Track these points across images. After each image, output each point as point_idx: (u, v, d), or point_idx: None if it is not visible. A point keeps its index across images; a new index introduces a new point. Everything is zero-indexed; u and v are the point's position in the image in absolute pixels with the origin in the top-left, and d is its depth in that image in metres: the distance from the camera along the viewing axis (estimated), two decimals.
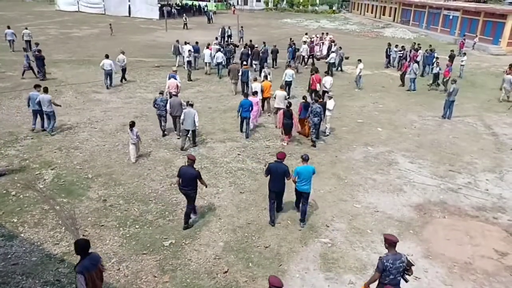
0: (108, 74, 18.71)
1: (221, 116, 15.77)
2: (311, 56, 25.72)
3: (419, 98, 19.61)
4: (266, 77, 17.14)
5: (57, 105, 13.57)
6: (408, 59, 23.69)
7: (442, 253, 8.34)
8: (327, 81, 17.28)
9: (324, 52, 28.10)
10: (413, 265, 6.12)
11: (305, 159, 8.87)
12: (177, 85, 15.60)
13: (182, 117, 12.24)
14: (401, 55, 24.76)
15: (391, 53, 26.12)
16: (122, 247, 8.11)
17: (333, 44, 26.97)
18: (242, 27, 30.86)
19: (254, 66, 22.42)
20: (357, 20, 58.84)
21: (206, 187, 9.22)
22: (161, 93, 13.84)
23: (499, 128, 16.02)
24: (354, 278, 7.51)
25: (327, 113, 13.80)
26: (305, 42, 25.33)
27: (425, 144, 14.04)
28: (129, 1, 48.80)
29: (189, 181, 8.42)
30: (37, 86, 13.46)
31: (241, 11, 62.02)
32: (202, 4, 60.78)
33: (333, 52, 24.47)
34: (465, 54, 25.89)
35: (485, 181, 11.58)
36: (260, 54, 22.48)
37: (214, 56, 22.15)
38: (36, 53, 19.23)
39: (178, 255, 7.93)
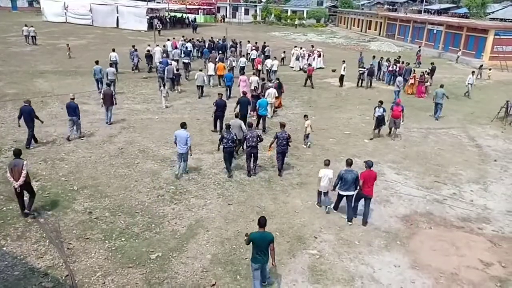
0: (115, 64, 22.69)
1: (210, 127, 15.73)
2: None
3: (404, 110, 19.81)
4: (221, 60, 23.93)
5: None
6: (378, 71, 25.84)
7: (428, 264, 8.41)
8: (268, 62, 24.54)
9: (314, 65, 28.82)
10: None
11: (263, 95, 16.53)
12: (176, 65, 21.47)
13: (196, 77, 19.47)
14: (368, 68, 24.95)
15: (374, 65, 26.30)
16: (108, 260, 7.97)
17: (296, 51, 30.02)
18: (249, 41, 32.61)
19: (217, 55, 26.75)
20: (343, 34, 59.82)
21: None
22: (160, 62, 21.35)
23: (483, 140, 16.35)
24: None
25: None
26: (292, 54, 29.78)
27: (411, 155, 14.24)
28: (117, 12, 48.78)
29: (222, 107, 14.42)
30: (97, 62, 19.40)
31: (229, 24, 62.53)
32: (191, 16, 61.15)
33: (263, 51, 29.03)
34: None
35: (469, 192, 11.77)
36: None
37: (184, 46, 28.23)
38: (146, 52, 25.46)
39: (164, 268, 7.83)
